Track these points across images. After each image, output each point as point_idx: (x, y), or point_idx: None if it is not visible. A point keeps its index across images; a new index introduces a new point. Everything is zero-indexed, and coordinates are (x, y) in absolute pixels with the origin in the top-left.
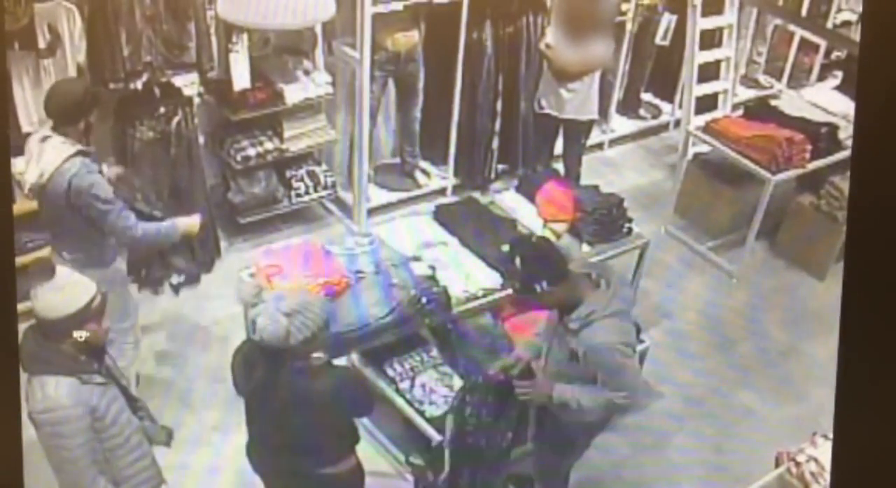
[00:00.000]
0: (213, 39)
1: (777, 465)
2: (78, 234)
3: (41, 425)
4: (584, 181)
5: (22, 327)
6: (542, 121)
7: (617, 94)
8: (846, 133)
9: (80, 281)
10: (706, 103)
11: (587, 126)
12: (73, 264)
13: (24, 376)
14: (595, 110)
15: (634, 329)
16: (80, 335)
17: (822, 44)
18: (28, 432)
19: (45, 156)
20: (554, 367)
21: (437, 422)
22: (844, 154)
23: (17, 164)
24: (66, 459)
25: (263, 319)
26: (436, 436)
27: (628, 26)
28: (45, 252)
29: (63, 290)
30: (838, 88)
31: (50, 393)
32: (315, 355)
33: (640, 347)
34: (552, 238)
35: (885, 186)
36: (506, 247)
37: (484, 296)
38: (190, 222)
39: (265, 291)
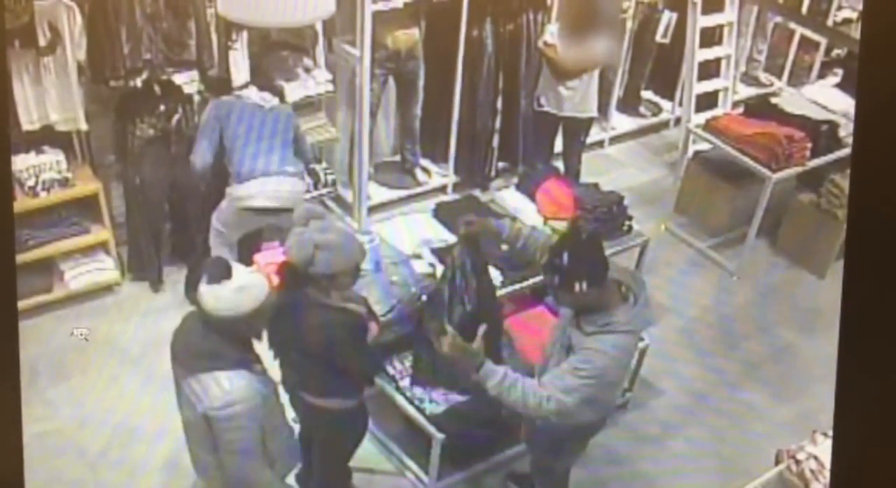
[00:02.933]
0: (214, 37)
1: (777, 463)
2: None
3: (219, 420)
4: (584, 179)
5: (23, 324)
6: (541, 118)
7: (617, 92)
8: (846, 131)
9: (257, 277)
10: (706, 101)
11: (587, 124)
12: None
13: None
14: (594, 108)
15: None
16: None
17: (823, 41)
18: (29, 431)
19: None
20: (555, 353)
21: (437, 420)
22: (845, 152)
23: (17, 162)
24: (240, 450)
25: (294, 240)
26: (437, 434)
27: (629, 24)
28: (47, 249)
29: (245, 290)
30: (838, 86)
31: (226, 388)
32: (335, 293)
33: (640, 345)
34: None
35: (885, 184)
36: (556, 240)
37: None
38: None
39: (315, 220)
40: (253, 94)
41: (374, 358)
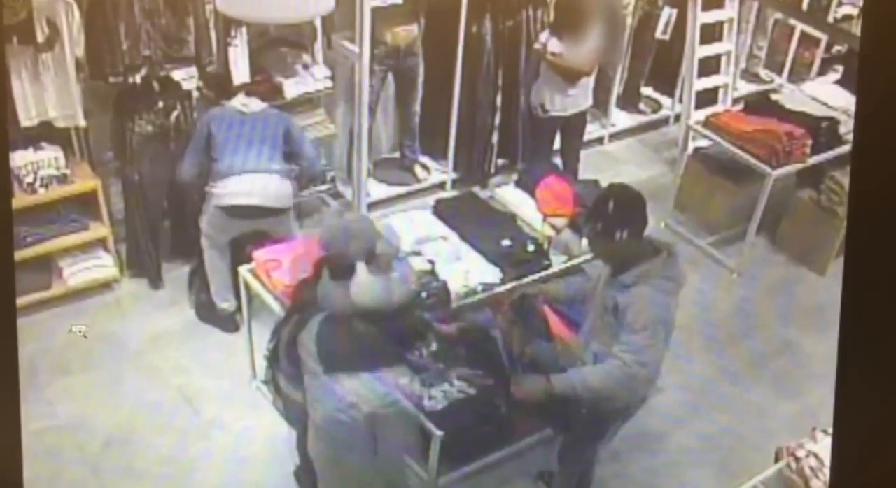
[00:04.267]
0: (212, 33)
1: (777, 460)
2: None
3: (387, 417)
4: (583, 175)
5: (22, 321)
6: (542, 121)
7: (617, 89)
8: (847, 127)
9: (409, 266)
10: (706, 98)
11: (584, 117)
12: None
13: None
14: (591, 98)
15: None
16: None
17: (823, 38)
18: (28, 428)
19: None
20: (596, 320)
21: (436, 417)
22: (845, 148)
23: (16, 159)
24: (405, 446)
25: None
26: (436, 431)
27: (628, 21)
28: (45, 246)
29: (403, 280)
30: (839, 83)
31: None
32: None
33: None
34: (552, 233)
35: (885, 181)
36: (603, 188)
37: (483, 290)
38: None
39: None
40: (237, 101)
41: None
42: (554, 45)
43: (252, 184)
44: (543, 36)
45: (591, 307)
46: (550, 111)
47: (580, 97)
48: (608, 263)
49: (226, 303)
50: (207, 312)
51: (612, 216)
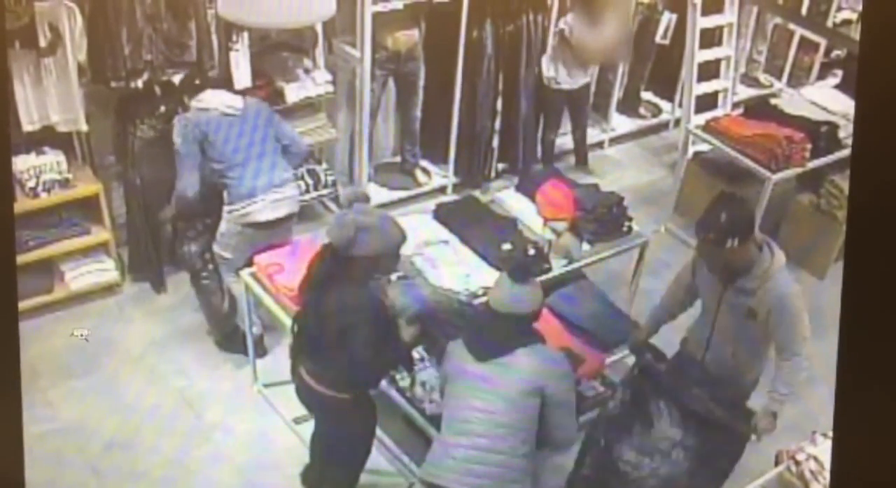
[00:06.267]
0: (214, 38)
1: (777, 464)
2: None
3: (560, 383)
4: (583, 180)
5: (24, 324)
6: (552, 94)
7: (617, 93)
8: (846, 132)
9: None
10: (706, 102)
11: (588, 88)
12: None
13: None
14: (595, 74)
15: None
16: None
17: (822, 42)
18: (30, 431)
19: None
20: (726, 331)
21: (436, 421)
22: (844, 153)
23: (18, 163)
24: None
25: (336, 222)
26: (436, 434)
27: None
28: (47, 250)
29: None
30: (838, 87)
31: (548, 357)
32: (376, 276)
33: None
34: (553, 237)
35: (884, 185)
36: (714, 198)
37: (484, 294)
38: None
39: (358, 203)
40: (217, 103)
41: (400, 349)
42: (574, 31)
43: (276, 195)
44: (569, 17)
45: (709, 316)
46: (561, 84)
47: (586, 75)
48: (719, 272)
49: (254, 327)
50: (230, 342)
51: (725, 226)
